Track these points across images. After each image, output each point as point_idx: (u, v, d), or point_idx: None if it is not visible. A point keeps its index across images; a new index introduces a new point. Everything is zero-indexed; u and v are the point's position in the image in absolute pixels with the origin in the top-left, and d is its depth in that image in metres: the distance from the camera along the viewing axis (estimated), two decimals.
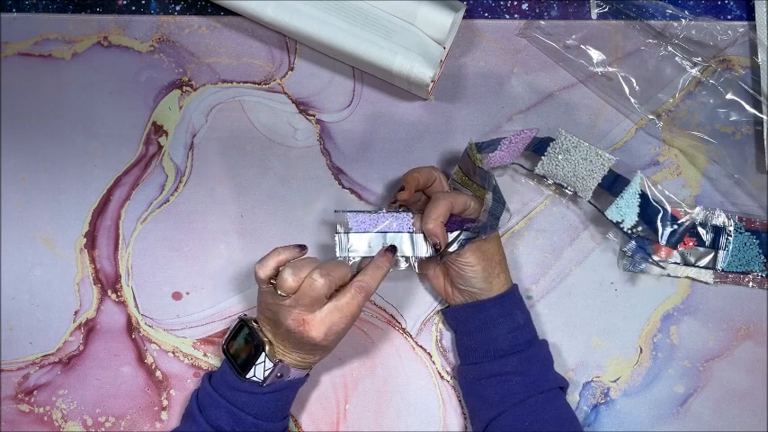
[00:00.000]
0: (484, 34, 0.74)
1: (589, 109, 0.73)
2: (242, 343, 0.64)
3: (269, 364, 0.62)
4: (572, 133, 0.69)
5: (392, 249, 0.64)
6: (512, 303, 0.67)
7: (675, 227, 0.68)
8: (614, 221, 0.68)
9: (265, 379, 0.62)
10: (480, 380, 0.66)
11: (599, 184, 0.69)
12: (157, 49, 0.74)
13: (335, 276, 0.61)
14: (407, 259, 0.66)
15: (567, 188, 0.70)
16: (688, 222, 0.69)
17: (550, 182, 0.71)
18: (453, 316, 0.69)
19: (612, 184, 0.69)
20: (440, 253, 0.64)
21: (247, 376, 0.63)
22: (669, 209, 0.68)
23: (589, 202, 0.70)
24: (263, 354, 0.62)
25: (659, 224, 0.68)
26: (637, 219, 0.68)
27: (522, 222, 0.73)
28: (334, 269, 0.61)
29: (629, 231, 0.68)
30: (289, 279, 0.60)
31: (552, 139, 0.69)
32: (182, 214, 0.73)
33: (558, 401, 0.66)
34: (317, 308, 0.61)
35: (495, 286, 0.66)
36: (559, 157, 0.69)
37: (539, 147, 0.70)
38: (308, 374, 0.66)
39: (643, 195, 0.68)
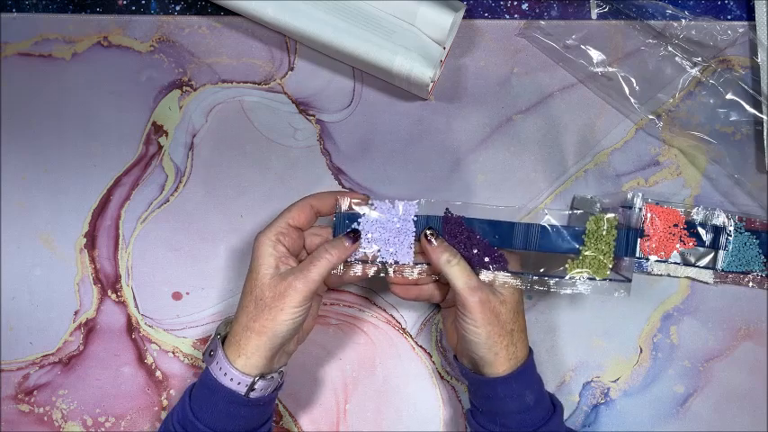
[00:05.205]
0: (484, 34, 0.74)
1: (589, 109, 0.73)
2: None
3: (214, 344, 0.60)
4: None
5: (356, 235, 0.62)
6: (521, 383, 0.57)
7: None
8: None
9: (206, 351, 0.60)
10: None
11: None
12: (157, 49, 0.74)
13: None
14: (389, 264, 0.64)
15: None
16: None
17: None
18: (460, 370, 0.64)
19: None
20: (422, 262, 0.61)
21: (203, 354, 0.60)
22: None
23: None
24: (215, 333, 0.61)
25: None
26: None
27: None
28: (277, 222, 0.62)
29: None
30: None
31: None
32: (182, 214, 0.73)
33: None
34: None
35: (501, 359, 0.56)
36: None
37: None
38: (250, 388, 0.57)
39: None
